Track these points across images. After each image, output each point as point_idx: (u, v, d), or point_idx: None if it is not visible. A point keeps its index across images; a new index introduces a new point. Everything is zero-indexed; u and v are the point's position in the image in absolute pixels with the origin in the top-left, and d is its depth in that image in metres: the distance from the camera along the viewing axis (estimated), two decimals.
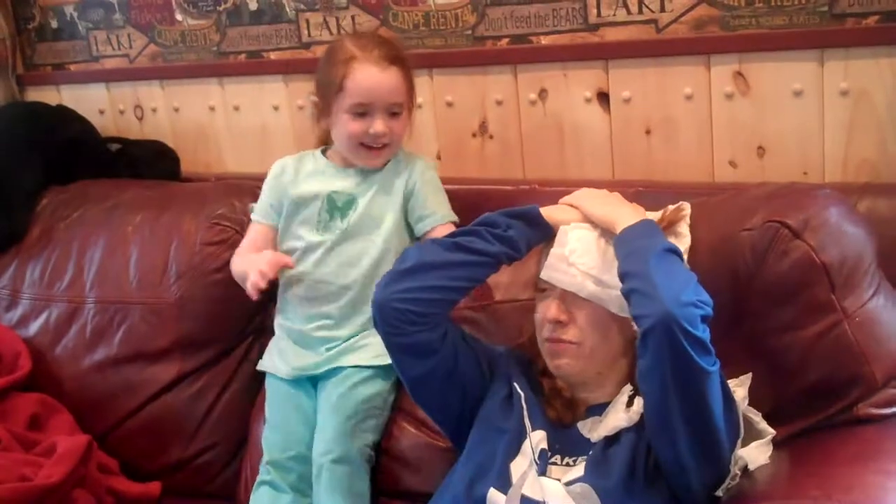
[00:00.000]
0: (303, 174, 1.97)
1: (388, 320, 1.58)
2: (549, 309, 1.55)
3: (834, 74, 1.82)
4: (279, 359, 1.97)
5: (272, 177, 2.00)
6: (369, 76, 1.83)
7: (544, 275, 1.56)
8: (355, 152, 1.90)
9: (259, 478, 1.91)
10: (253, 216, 2.02)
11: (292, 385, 1.94)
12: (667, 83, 1.97)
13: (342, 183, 1.92)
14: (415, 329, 1.57)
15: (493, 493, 1.49)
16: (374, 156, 1.89)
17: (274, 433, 1.92)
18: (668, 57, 1.96)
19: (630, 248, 1.47)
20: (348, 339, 1.90)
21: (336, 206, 1.91)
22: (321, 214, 1.91)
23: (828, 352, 1.50)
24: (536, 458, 1.51)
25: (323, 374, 1.91)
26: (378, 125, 1.84)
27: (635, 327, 1.46)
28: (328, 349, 1.91)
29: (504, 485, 1.49)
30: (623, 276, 1.44)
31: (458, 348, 1.64)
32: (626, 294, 1.43)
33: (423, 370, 1.63)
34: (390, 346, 1.63)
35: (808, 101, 1.86)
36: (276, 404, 1.95)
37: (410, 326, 1.57)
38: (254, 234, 2.00)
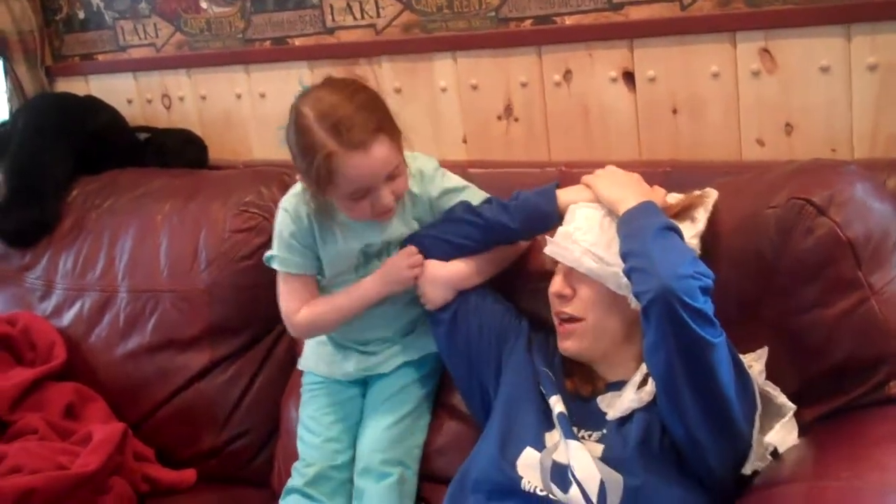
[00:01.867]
0: (324, 231, 1.81)
1: None
2: (554, 283, 1.62)
3: (861, 49, 1.80)
4: (330, 361, 1.91)
5: (290, 234, 1.80)
6: (356, 165, 1.63)
7: (547, 250, 1.62)
8: (369, 223, 1.78)
9: (290, 482, 1.86)
10: (283, 268, 1.83)
11: (343, 387, 1.90)
12: (692, 61, 1.95)
13: (370, 235, 1.80)
14: None
15: (529, 452, 1.54)
16: (386, 217, 1.76)
17: (313, 438, 1.87)
18: (693, 35, 1.94)
19: (630, 228, 1.51)
20: (407, 335, 1.89)
21: (371, 256, 1.83)
22: (358, 262, 1.83)
23: (855, 329, 1.49)
24: (556, 421, 1.54)
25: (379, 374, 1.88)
26: (384, 199, 1.68)
27: (633, 305, 1.50)
28: (388, 347, 1.88)
29: (539, 446, 1.54)
30: (624, 256, 1.48)
31: (474, 298, 1.76)
32: (627, 273, 1.46)
33: (441, 318, 1.77)
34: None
35: (835, 77, 1.83)
36: (319, 408, 1.89)
37: None
38: (300, 286, 1.83)
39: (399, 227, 1.81)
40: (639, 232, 1.47)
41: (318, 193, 1.71)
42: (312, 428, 1.88)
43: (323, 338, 1.93)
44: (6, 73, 2.89)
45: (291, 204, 1.81)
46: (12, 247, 2.51)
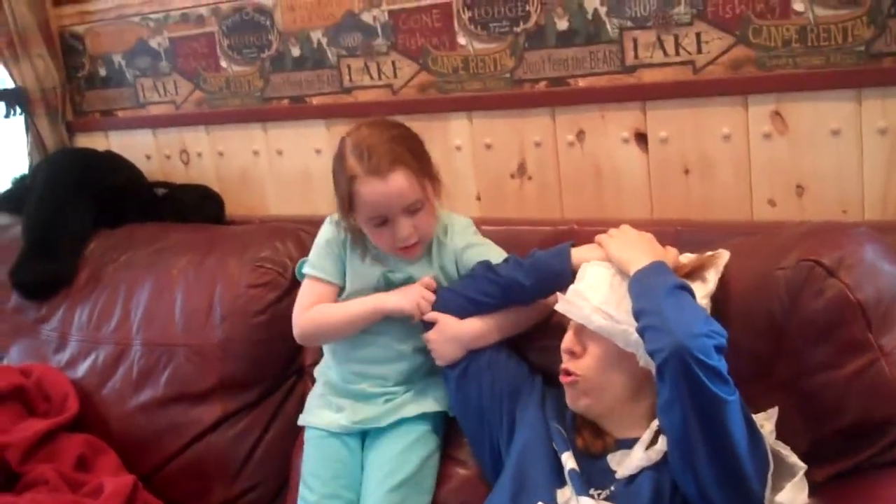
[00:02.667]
0: (355, 247, 1.90)
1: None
2: (564, 340, 1.63)
3: (872, 113, 1.82)
4: (328, 412, 1.92)
5: (326, 241, 1.92)
6: (373, 191, 1.75)
7: (558, 307, 1.64)
8: (392, 255, 1.85)
9: None
10: (312, 272, 1.92)
11: (342, 442, 1.89)
12: (704, 123, 1.98)
13: (394, 265, 1.87)
14: None
15: None
16: (409, 254, 1.83)
17: (311, 495, 1.87)
18: (705, 97, 1.97)
19: (641, 286, 1.53)
20: (406, 392, 1.89)
21: (392, 283, 1.87)
22: (378, 285, 1.87)
23: (865, 391, 1.48)
24: (568, 477, 1.54)
25: (379, 428, 1.87)
26: (402, 230, 1.77)
27: (642, 363, 1.52)
28: (387, 401, 1.88)
29: (550, 502, 1.53)
30: (637, 315, 1.49)
31: (488, 354, 1.78)
32: (641, 331, 1.46)
33: (453, 374, 1.78)
34: None
35: (846, 140, 1.86)
36: (317, 463, 1.89)
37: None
38: (320, 291, 1.90)
39: (424, 268, 1.87)
40: (651, 291, 1.48)
41: (344, 217, 1.84)
42: (311, 484, 1.88)
43: (321, 389, 1.96)
44: (27, 128, 2.95)
45: (336, 216, 1.91)
46: (29, 299, 2.54)
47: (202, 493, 2.14)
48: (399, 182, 1.75)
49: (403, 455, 1.83)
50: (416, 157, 1.80)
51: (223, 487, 2.15)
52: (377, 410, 1.87)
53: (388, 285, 1.87)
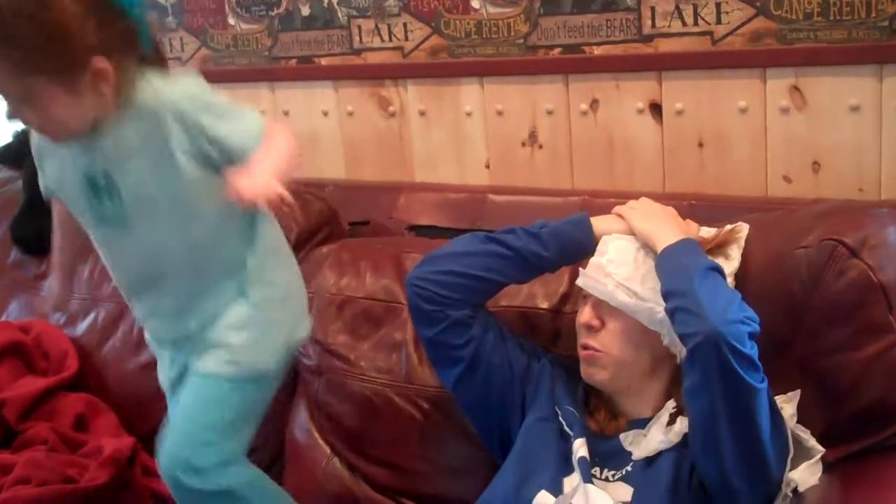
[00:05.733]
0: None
1: (414, 299, 1.67)
2: (582, 314, 1.58)
3: (893, 90, 1.79)
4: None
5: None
6: None
7: (580, 281, 1.59)
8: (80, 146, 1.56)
9: None
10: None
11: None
12: (721, 96, 1.95)
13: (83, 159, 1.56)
14: (435, 308, 1.65)
15: (544, 495, 1.49)
16: (56, 139, 1.56)
17: None
18: (722, 69, 1.93)
19: (672, 266, 1.48)
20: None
21: (98, 187, 1.57)
22: (88, 197, 1.59)
23: (884, 373, 1.47)
24: (576, 465, 1.51)
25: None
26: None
27: (665, 342, 1.50)
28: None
29: (555, 490, 1.50)
30: (666, 295, 1.45)
31: (493, 337, 1.67)
32: (671, 313, 1.43)
33: (459, 357, 1.66)
34: (425, 336, 1.70)
35: (865, 116, 1.83)
36: None
37: (428, 304, 1.65)
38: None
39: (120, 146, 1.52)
40: (683, 271, 1.44)
41: None
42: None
43: None
44: None
45: None
46: (28, 254, 2.51)
47: None
48: None
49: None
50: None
51: None
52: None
53: (96, 194, 1.56)
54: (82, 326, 2.31)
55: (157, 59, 1.57)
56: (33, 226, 2.49)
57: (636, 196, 1.70)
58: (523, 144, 2.21)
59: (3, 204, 2.62)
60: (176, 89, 1.52)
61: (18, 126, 2.80)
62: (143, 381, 2.18)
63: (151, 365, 2.16)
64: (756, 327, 1.37)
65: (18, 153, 2.75)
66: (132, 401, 2.18)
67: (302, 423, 2.04)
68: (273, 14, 2.49)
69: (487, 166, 2.27)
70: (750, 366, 1.34)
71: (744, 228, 1.61)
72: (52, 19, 1.38)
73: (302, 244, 2.17)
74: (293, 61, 2.51)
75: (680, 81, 1.99)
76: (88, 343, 2.29)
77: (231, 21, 2.59)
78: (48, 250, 2.44)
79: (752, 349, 1.35)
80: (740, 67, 1.92)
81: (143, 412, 2.17)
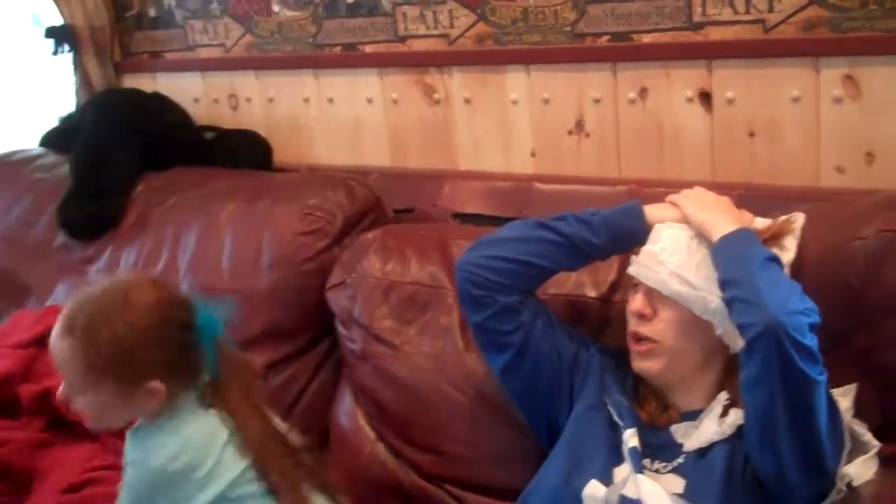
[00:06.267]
0: None
1: (464, 283, 1.67)
2: (634, 301, 1.57)
3: None
4: None
5: None
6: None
7: (631, 269, 1.57)
8: None
9: None
10: None
11: None
12: (772, 85, 1.92)
13: None
14: (484, 293, 1.64)
15: (594, 485, 1.48)
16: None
17: None
18: (774, 58, 1.91)
19: (730, 256, 1.46)
20: None
21: None
22: None
23: None
24: (627, 455, 1.50)
25: None
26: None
27: (719, 332, 1.48)
28: None
29: (606, 480, 1.49)
30: (724, 284, 1.43)
31: (542, 324, 1.67)
32: (729, 303, 1.41)
33: (507, 344, 1.66)
34: (473, 322, 1.70)
35: None
36: None
37: (477, 289, 1.65)
38: None
39: None
40: (741, 260, 1.43)
41: None
42: None
43: None
44: (75, 66, 2.92)
45: None
46: (75, 239, 2.53)
47: None
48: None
49: None
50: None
51: None
52: None
53: None
54: None
55: (215, 385, 1.64)
56: (80, 210, 2.52)
57: (684, 186, 1.68)
58: (570, 133, 2.19)
59: (50, 188, 2.64)
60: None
61: (64, 112, 2.86)
62: None
63: None
64: (816, 318, 1.35)
65: (65, 138, 2.78)
66: None
67: (346, 408, 2.05)
68: (317, 1, 2.49)
69: (533, 155, 2.26)
70: (810, 357, 1.33)
71: (799, 219, 1.59)
72: (127, 336, 1.54)
73: (347, 231, 2.18)
74: (337, 48, 2.51)
75: (731, 70, 1.96)
76: None
77: (275, 8, 2.59)
78: (95, 235, 2.49)
79: (812, 341, 1.33)
80: (793, 56, 1.89)
81: None
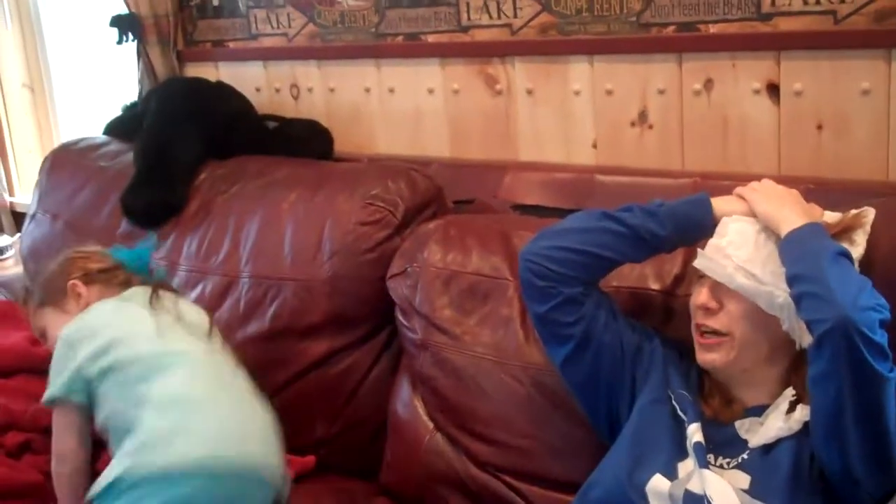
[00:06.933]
0: None
1: (527, 274, 1.66)
2: (699, 295, 1.55)
3: None
4: None
5: None
6: None
7: (697, 263, 1.55)
8: None
9: None
10: None
11: None
12: (842, 77, 1.89)
13: None
14: (547, 284, 1.63)
15: (658, 479, 1.47)
16: None
17: None
18: (845, 50, 1.88)
19: (798, 251, 1.44)
20: None
21: None
22: None
23: None
24: (692, 450, 1.49)
25: None
26: None
27: (785, 327, 1.45)
28: None
29: (670, 475, 1.48)
30: (792, 279, 1.41)
31: (605, 316, 1.65)
32: (797, 297, 1.39)
33: (569, 335, 1.65)
34: (535, 313, 1.68)
35: None
36: None
37: (540, 280, 1.64)
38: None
39: None
40: (811, 255, 1.41)
41: None
42: None
43: None
44: (139, 55, 2.96)
45: None
46: (139, 226, 2.55)
47: (305, 428, 2.14)
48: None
49: None
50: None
51: (326, 423, 2.15)
52: None
53: None
54: (190, 298, 2.35)
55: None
56: (144, 198, 2.54)
57: (750, 179, 1.66)
58: (632, 124, 2.18)
59: (114, 176, 2.68)
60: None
61: (128, 100, 2.89)
62: (250, 353, 2.20)
63: (258, 338, 2.23)
64: (887, 315, 1.33)
65: (128, 127, 2.82)
66: None
67: (405, 397, 2.05)
68: None
69: (594, 146, 2.24)
70: (880, 354, 1.30)
71: (870, 213, 1.56)
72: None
73: (408, 221, 2.18)
74: (399, 38, 2.51)
75: (799, 61, 1.93)
76: None
77: None
78: (158, 223, 2.52)
79: (882, 337, 1.31)
80: (864, 48, 1.86)
81: None
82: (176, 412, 1.76)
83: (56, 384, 1.84)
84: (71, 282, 2.01)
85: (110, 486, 1.71)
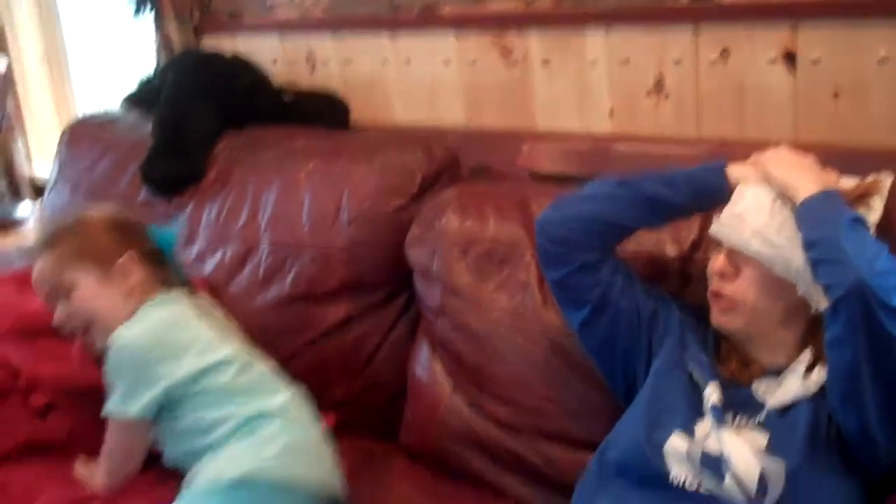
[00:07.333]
0: None
1: (544, 240, 1.70)
2: (716, 261, 1.57)
3: None
4: None
5: None
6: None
7: (713, 229, 1.57)
8: None
9: None
10: None
11: None
12: (860, 45, 1.90)
13: None
14: (564, 251, 1.67)
15: (676, 439, 1.50)
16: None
17: None
18: (862, 18, 1.89)
19: (814, 216, 1.46)
20: None
21: None
22: None
23: None
24: (709, 411, 1.51)
25: None
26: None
27: (800, 292, 1.47)
28: None
29: (688, 434, 1.50)
30: (809, 245, 1.43)
31: (622, 281, 1.68)
32: (813, 262, 1.41)
33: (585, 300, 1.67)
34: (552, 279, 1.72)
35: None
36: None
37: (557, 247, 1.68)
38: None
39: None
40: (827, 221, 1.42)
41: None
42: None
43: None
44: (157, 27, 2.97)
45: None
46: (158, 196, 2.58)
47: (325, 389, 2.14)
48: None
49: None
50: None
51: (345, 384, 2.19)
52: None
53: None
54: (210, 264, 2.38)
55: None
56: (163, 167, 2.57)
57: (765, 147, 1.67)
58: (648, 94, 2.19)
59: (133, 147, 2.69)
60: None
61: (145, 73, 2.91)
62: (269, 318, 2.24)
63: (277, 303, 2.25)
64: None
65: (146, 99, 2.84)
66: (259, 336, 2.21)
67: (424, 360, 2.08)
68: None
69: (611, 115, 2.26)
70: None
71: (887, 180, 1.57)
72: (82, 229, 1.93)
73: (425, 189, 2.20)
74: (415, 9, 2.52)
75: (816, 30, 1.94)
76: (216, 280, 2.34)
77: None
78: (177, 192, 2.55)
79: None
80: (881, 16, 1.87)
81: (269, 347, 2.21)
82: (290, 429, 1.83)
83: (131, 405, 1.78)
84: (130, 252, 1.89)
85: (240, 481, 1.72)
